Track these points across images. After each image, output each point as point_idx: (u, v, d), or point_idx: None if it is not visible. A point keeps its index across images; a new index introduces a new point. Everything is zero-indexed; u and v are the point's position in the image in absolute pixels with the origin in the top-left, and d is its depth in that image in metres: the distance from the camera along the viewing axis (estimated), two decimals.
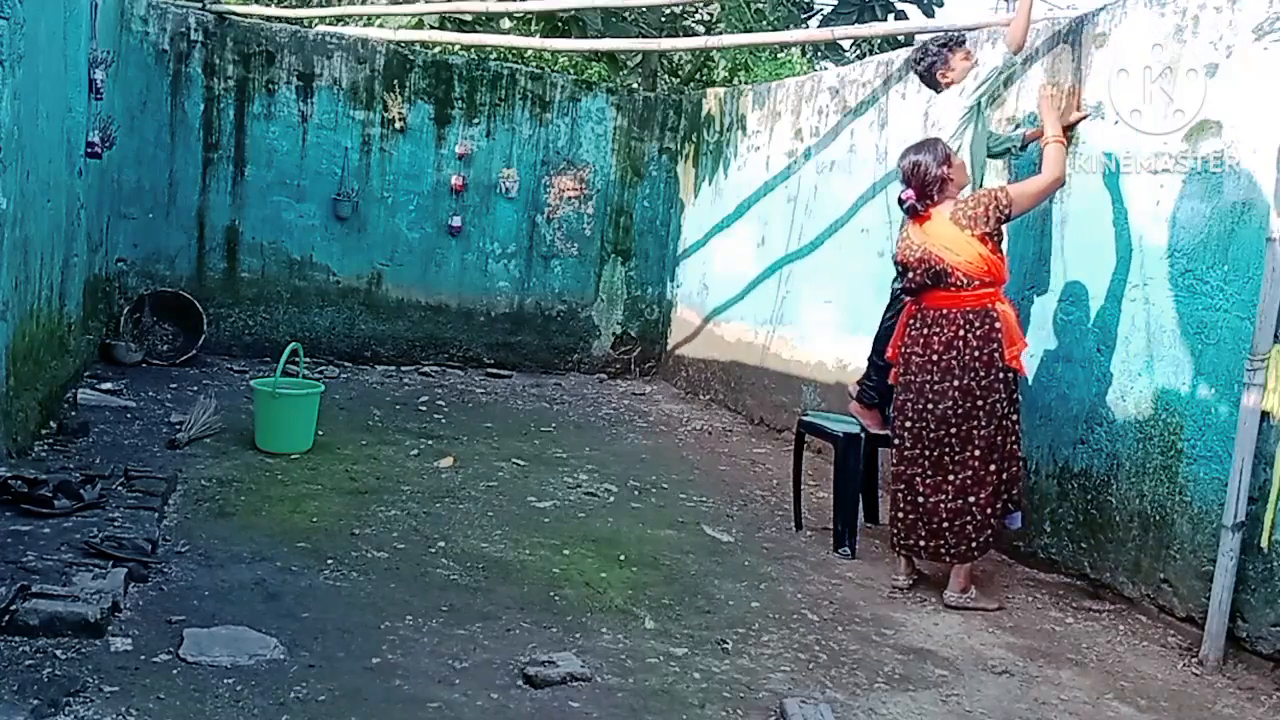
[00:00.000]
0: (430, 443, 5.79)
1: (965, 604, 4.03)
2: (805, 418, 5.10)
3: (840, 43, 11.03)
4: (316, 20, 8.49)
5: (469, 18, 9.59)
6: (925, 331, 4.06)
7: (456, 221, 8.10)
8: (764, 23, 10.59)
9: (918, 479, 4.09)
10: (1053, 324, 4.63)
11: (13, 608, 2.85)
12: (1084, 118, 4.47)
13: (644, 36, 9.85)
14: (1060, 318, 4.60)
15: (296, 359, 5.52)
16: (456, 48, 8.33)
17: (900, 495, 4.16)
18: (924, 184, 4.03)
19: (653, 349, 9.00)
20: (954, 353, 3.98)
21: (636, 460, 5.99)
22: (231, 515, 4.16)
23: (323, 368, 7.53)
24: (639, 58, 11.07)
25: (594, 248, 8.68)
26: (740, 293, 7.71)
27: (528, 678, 3.00)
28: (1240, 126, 3.80)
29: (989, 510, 4.01)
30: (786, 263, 7.11)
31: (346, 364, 7.84)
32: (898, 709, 3.10)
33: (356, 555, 3.89)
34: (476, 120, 8.14)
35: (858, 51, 11.18)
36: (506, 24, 10.32)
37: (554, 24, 9.85)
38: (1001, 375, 3.98)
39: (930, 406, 4.03)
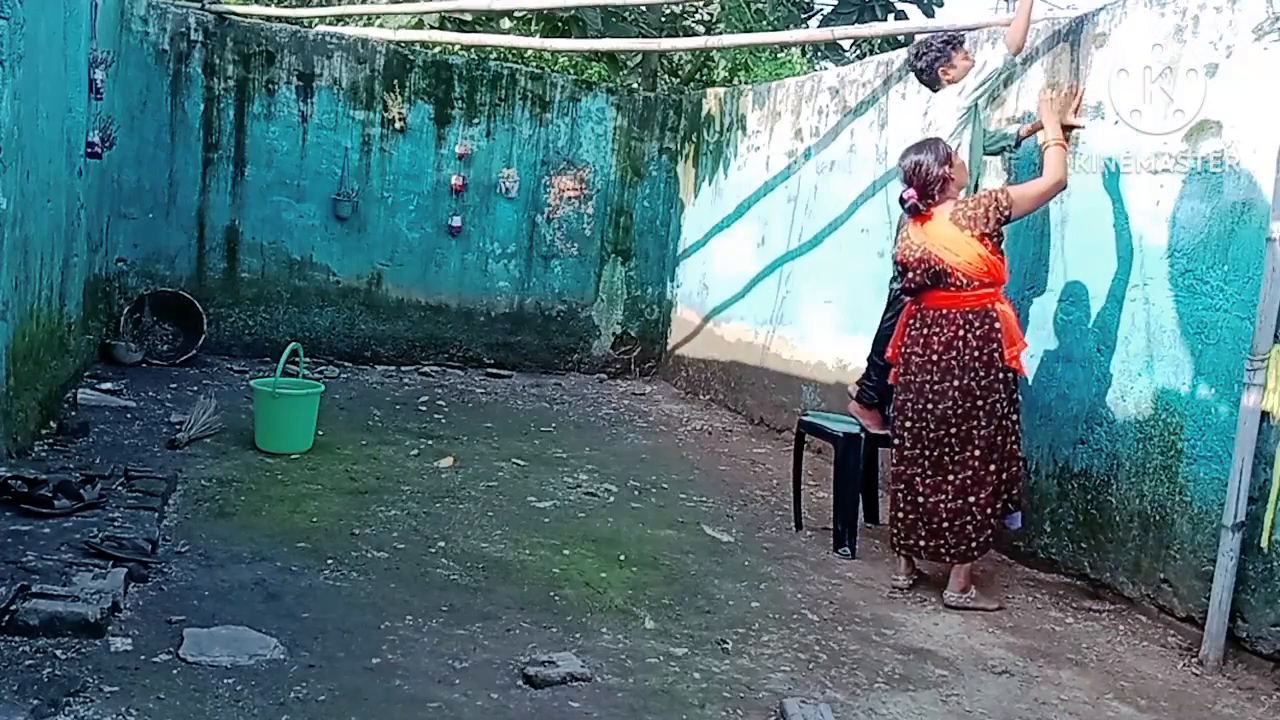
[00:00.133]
0: (430, 443, 5.79)
1: (965, 604, 4.03)
2: (805, 418, 5.10)
3: (840, 43, 11.03)
4: (316, 20, 8.49)
5: (469, 18, 9.60)
6: (925, 331, 4.06)
7: (456, 221, 8.10)
8: (764, 23, 10.58)
9: (918, 479, 4.09)
10: (1053, 324, 4.63)
11: (13, 608, 2.85)
12: (1080, 127, 4.47)
13: (644, 36, 9.85)
14: (1060, 318, 4.60)
15: (296, 359, 5.52)
16: (456, 48, 8.33)
17: (900, 495, 4.17)
18: (925, 183, 4.03)
19: (653, 349, 9.00)
20: (954, 353, 3.98)
21: (636, 460, 5.99)
22: (231, 515, 4.17)
23: (323, 368, 7.53)
24: (639, 58, 11.08)
25: (594, 248, 8.68)
26: (740, 292, 7.71)
27: (528, 678, 3.00)
28: (1240, 126, 3.80)
29: (989, 510, 4.01)
30: (786, 262, 7.12)
31: (346, 364, 7.84)
32: (898, 709, 3.10)
33: (356, 555, 3.89)
34: (476, 120, 8.14)
35: (858, 51, 11.18)
36: (506, 24, 10.32)
37: (554, 24, 9.86)
38: (1001, 375, 3.99)
39: (930, 406, 4.03)
